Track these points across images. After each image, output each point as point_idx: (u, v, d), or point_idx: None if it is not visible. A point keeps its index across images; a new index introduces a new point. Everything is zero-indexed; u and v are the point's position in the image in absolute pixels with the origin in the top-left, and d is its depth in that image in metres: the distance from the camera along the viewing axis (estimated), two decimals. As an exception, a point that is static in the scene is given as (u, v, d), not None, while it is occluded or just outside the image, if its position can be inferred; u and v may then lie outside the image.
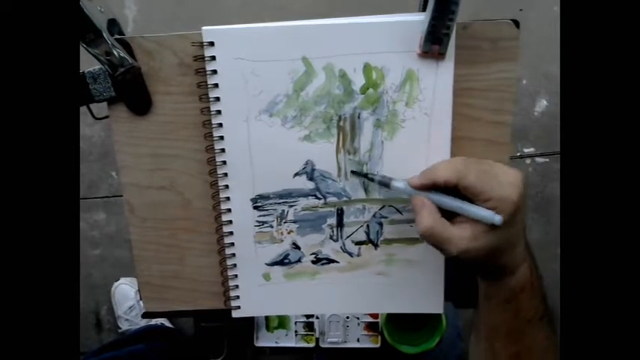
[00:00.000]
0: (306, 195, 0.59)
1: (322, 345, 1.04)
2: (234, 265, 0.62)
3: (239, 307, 0.64)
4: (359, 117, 0.57)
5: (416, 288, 0.62)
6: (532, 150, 1.42)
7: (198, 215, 0.61)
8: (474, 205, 0.49)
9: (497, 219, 0.47)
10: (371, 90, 0.56)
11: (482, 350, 0.58)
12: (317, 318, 1.03)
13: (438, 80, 0.55)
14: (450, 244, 0.49)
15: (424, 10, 0.52)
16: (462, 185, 0.49)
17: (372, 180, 0.57)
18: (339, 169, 0.58)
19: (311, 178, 0.59)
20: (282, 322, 1.05)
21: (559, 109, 1.37)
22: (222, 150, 0.58)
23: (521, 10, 1.39)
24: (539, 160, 1.42)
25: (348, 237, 0.61)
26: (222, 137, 0.57)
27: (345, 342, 1.04)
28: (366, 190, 0.59)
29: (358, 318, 1.04)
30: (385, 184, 0.56)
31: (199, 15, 1.45)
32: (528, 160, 1.42)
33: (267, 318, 1.04)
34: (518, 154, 1.42)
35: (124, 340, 1.26)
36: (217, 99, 0.56)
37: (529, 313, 0.53)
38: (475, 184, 0.48)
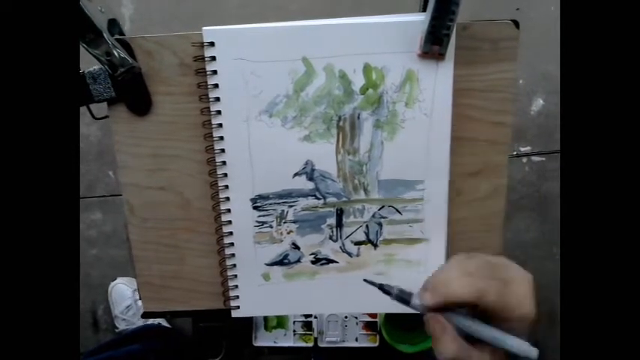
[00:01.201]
0: (305, 195, 0.59)
1: (321, 344, 1.04)
2: (234, 266, 0.62)
3: (238, 307, 0.64)
4: (359, 117, 0.57)
5: (415, 288, 0.62)
6: (529, 149, 1.42)
7: (197, 215, 0.61)
8: (507, 334, 0.43)
9: (535, 353, 0.42)
10: (371, 90, 0.56)
11: None
12: (315, 317, 1.04)
13: (438, 81, 0.55)
14: None
15: (424, 10, 0.52)
16: (482, 305, 0.43)
17: (389, 294, 0.49)
18: (339, 169, 0.58)
19: (311, 179, 0.59)
20: (280, 321, 1.05)
21: (556, 109, 1.38)
22: (222, 150, 0.58)
23: (518, 9, 1.39)
24: (535, 158, 1.43)
25: (347, 237, 0.61)
26: (222, 137, 0.57)
27: (344, 341, 1.04)
28: (365, 190, 0.59)
29: (357, 317, 1.04)
30: (405, 300, 0.48)
31: (198, 14, 1.44)
32: (525, 159, 1.42)
33: (265, 318, 1.04)
34: (515, 152, 1.42)
35: (121, 340, 1.25)
36: (217, 99, 0.56)
37: None
38: (495, 305, 0.43)
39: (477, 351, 0.44)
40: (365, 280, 0.52)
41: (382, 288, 0.49)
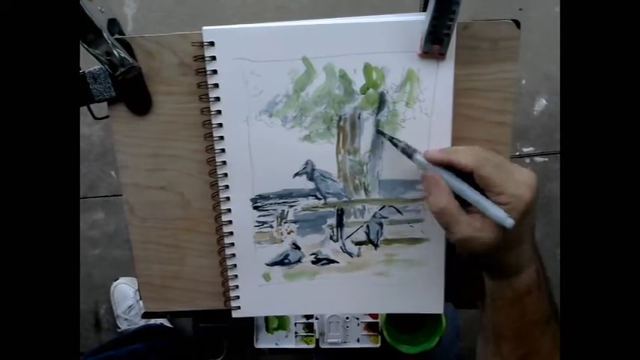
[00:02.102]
0: (306, 195, 0.59)
1: (322, 346, 1.04)
2: (234, 266, 0.62)
3: (239, 308, 0.64)
4: (359, 117, 0.57)
5: (416, 288, 0.62)
6: (531, 149, 1.42)
7: (198, 215, 0.61)
8: (490, 201, 0.48)
9: (509, 222, 0.46)
10: (371, 90, 0.56)
11: (489, 353, 0.57)
12: (317, 319, 1.03)
13: (439, 80, 0.55)
14: (458, 228, 0.49)
15: (425, 10, 0.52)
16: (479, 174, 0.48)
17: (395, 145, 0.55)
18: (339, 169, 0.58)
19: (311, 179, 0.59)
20: (281, 323, 1.05)
21: (558, 109, 1.37)
22: (222, 150, 0.58)
23: (520, 9, 1.39)
24: (538, 159, 1.42)
25: (348, 237, 0.61)
26: (222, 137, 0.57)
27: (345, 342, 1.04)
28: (366, 190, 0.59)
29: (358, 318, 1.04)
30: (408, 154, 0.54)
31: (199, 14, 1.44)
32: (528, 160, 1.42)
33: (266, 319, 1.04)
34: (518, 153, 1.42)
35: (122, 340, 1.26)
36: (217, 99, 0.56)
37: (535, 315, 0.53)
38: (492, 176, 0.48)
39: (467, 215, 0.50)
40: (377, 131, 0.57)
41: (392, 140, 0.56)
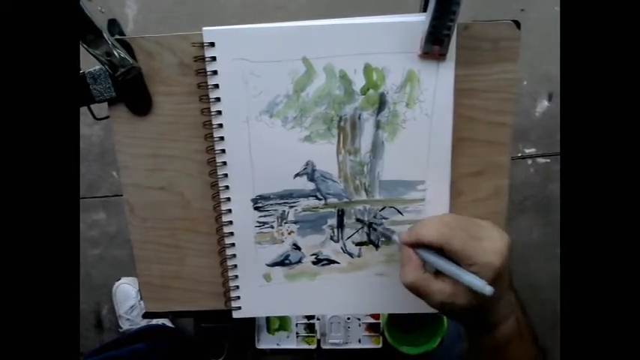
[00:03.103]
0: (306, 196, 0.59)
1: (323, 346, 1.04)
2: (235, 266, 0.62)
3: (240, 308, 0.64)
4: (359, 118, 0.57)
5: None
6: (533, 150, 1.42)
7: (198, 215, 0.61)
8: (465, 271, 0.49)
9: (489, 290, 0.47)
10: (371, 91, 0.56)
11: None
12: (318, 319, 1.03)
13: (439, 81, 0.55)
14: (431, 297, 0.51)
15: (425, 10, 0.52)
16: (447, 249, 0.50)
17: (374, 230, 0.58)
18: (340, 170, 0.58)
19: (311, 179, 0.59)
20: (283, 324, 1.05)
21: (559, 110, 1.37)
22: (223, 151, 0.58)
23: (522, 10, 1.39)
24: (540, 160, 1.42)
25: (348, 238, 0.61)
26: (222, 138, 0.57)
27: (347, 343, 1.04)
28: (366, 191, 0.59)
29: (359, 319, 1.04)
30: (387, 236, 0.57)
31: (199, 14, 1.44)
32: (529, 161, 1.42)
33: (268, 320, 1.04)
34: (519, 154, 1.42)
35: (124, 340, 1.26)
36: (218, 99, 0.56)
37: (519, 359, 0.54)
38: (459, 250, 0.49)
39: (439, 282, 0.51)
40: (357, 219, 0.60)
41: (370, 225, 0.58)
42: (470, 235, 0.50)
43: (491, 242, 0.49)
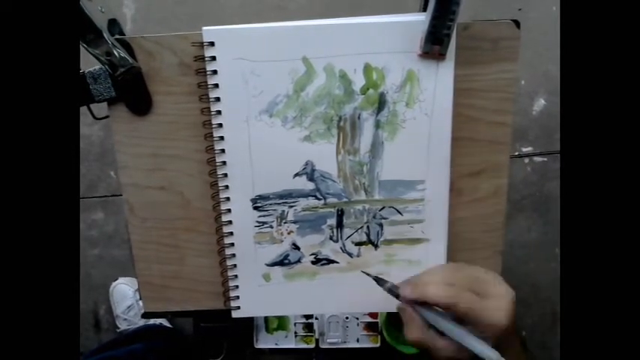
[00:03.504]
0: (306, 195, 0.59)
1: (322, 346, 1.04)
2: (234, 266, 0.62)
3: (239, 308, 0.64)
4: (359, 117, 0.57)
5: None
6: (530, 149, 1.42)
7: (197, 215, 0.61)
8: (477, 340, 0.48)
9: (494, 357, 0.47)
10: (371, 90, 0.56)
11: None
12: (316, 319, 1.03)
13: (439, 81, 0.55)
14: (437, 353, 0.51)
15: (424, 10, 0.52)
16: (453, 311, 0.49)
17: (381, 285, 0.56)
18: (339, 169, 0.58)
19: (311, 179, 0.59)
20: (281, 323, 1.05)
21: (558, 109, 1.37)
22: (222, 150, 0.58)
23: (520, 9, 1.39)
24: (537, 159, 1.42)
25: (348, 237, 0.61)
26: (222, 137, 0.57)
27: (345, 342, 1.04)
28: (365, 191, 0.59)
29: (357, 318, 1.04)
30: (395, 294, 0.54)
31: (199, 14, 1.44)
32: (527, 160, 1.42)
33: (266, 319, 1.04)
34: (517, 153, 1.42)
35: (122, 340, 1.25)
36: (217, 99, 0.56)
37: None
38: (466, 313, 0.48)
39: (445, 341, 0.50)
40: (363, 272, 0.59)
41: (377, 280, 0.56)
42: (476, 294, 0.49)
43: (497, 301, 0.49)
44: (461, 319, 0.49)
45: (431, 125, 0.56)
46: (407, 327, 0.53)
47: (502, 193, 0.60)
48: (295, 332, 1.04)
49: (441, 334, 0.51)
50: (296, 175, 0.59)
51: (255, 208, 0.60)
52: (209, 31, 0.55)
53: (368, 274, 0.57)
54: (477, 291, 0.49)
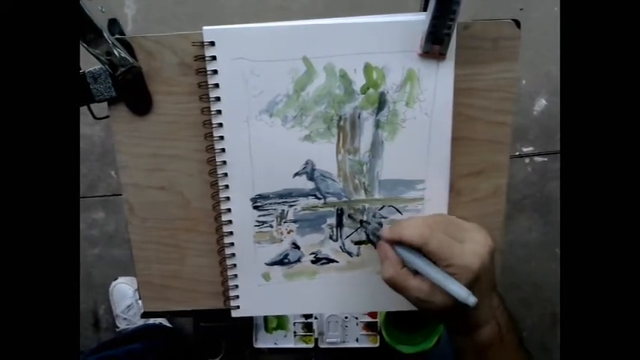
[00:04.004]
0: (306, 195, 0.59)
1: (321, 345, 1.04)
2: (234, 265, 0.62)
3: (238, 307, 0.64)
4: (359, 117, 0.57)
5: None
6: (531, 149, 1.42)
7: (197, 215, 0.61)
8: (449, 279, 0.49)
9: (472, 300, 0.47)
10: (371, 90, 0.56)
11: None
12: (316, 318, 1.04)
13: (439, 80, 0.55)
14: (408, 293, 0.51)
15: (425, 10, 0.52)
16: (426, 250, 0.50)
17: (365, 228, 0.58)
18: (339, 169, 0.58)
19: (311, 178, 0.59)
20: (280, 323, 1.05)
21: (558, 109, 1.37)
22: (223, 150, 0.58)
23: (521, 9, 1.39)
24: (538, 159, 1.42)
25: (347, 237, 0.61)
26: (222, 137, 0.57)
27: (344, 342, 1.04)
28: (365, 190, 0.59)
29: (357, 318, 1.04)
30: (377, 236, 0.55)
31: (199, 14, 1.44)
32: (527, 160, 1.42)
33: (265, 319, 1.04)
34: (517, 153, 1.42)
35: (121, 339, 1.25)
36: (218, 99, 0.56)
37: None
38: (437, 251, 0.49)
39: (417, 280, 0.51)
40: (349, 216, 0.60)
41: (362, 223, 0.59)
42: (450, 237, 0.50)
43: (472, 245, 0.50)
44: (433, 261, 0.50)
45: (431, 125, 0.57)
46: (382, 265, 0.53)
47: (502, 193, 0.60)
48: (294, 332, 1.05)
49: (416, 274, 0.51)
50: (296, 174, 0.59)
51: (255, 207, 0.60)
52: (209, 31, 0.55)
53: (353, 219, 0.59)
54: (453, 235, 0.50)
